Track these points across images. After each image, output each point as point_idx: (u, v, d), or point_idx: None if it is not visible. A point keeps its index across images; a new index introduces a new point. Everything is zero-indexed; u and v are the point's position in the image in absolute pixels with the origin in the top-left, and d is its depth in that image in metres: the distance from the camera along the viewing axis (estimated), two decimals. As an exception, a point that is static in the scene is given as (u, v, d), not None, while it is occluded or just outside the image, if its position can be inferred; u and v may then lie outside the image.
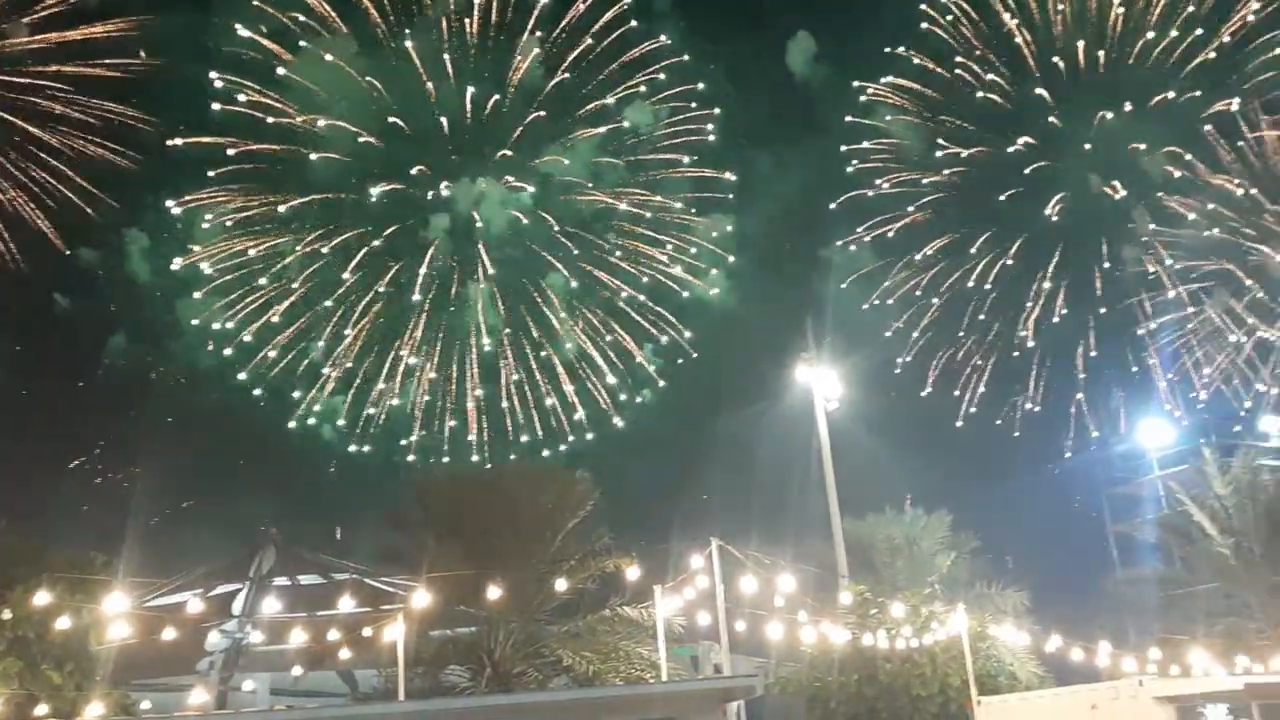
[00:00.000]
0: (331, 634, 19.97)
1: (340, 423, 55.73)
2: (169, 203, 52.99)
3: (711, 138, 59.76)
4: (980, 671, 22.86)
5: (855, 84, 60.58)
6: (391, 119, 56.08)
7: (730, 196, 60.19)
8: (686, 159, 59.64)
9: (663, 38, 58.83)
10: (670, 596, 21.53)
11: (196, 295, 53.77)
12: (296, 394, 55.08)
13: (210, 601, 25.01)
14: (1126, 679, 23.46)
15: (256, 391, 54.47)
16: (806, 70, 63.47)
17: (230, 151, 52.75)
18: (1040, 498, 56.59)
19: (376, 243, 56.12)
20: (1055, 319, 58.80)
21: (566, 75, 58.06)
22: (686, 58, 58.86)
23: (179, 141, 51.76)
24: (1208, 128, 55.25)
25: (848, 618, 23.47)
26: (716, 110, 59.51)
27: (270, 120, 53.94)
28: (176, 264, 53.28)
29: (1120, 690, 19.62)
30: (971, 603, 26.21)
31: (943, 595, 27.05)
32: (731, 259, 60.22)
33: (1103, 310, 57.94)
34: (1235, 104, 54.37)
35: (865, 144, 60.58)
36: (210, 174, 52.83)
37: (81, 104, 48.83)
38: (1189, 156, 55.72)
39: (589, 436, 57.86)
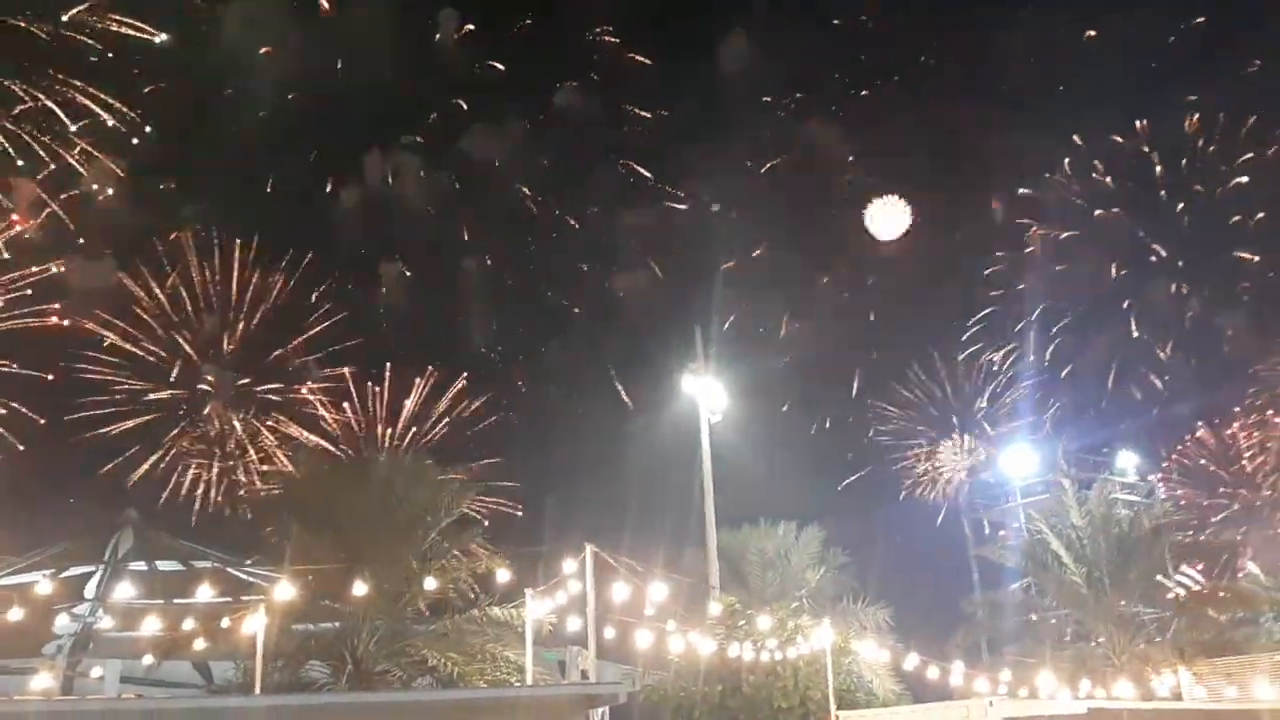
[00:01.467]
0: (188, 623, 19.39)
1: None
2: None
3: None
4: (840, 686, 23.35)
5: (766, 99, 60.99)
6: (299, 90, 54.54)
7: (653, 197, 59.98)
8: (610, 153, 59.07)
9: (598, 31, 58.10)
10: (541, 600, 21.46)
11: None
12: (178, 369, 52.37)
13: (61, 583, 23.98)
14: (978, 698, 24.30)
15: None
16: (736, 72, 62.80)
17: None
18: (909, 519, 58.27)
19: (278, 219, 54.04)
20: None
21: (491, 60, 57.22)
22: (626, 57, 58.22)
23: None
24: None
25: (716, 628, 23.75)
26: (658, 113, 58.99)
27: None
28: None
29: (971, 709, 20.23)
30: (837, 618, 26.75)
31: (809, 609, 27.59)
32: (646, 259, 59.92)
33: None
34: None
35: (778, 160, 60.99)
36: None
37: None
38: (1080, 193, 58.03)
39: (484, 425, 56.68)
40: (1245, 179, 56.43)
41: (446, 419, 54.66)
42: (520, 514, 51.33)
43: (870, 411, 58.53)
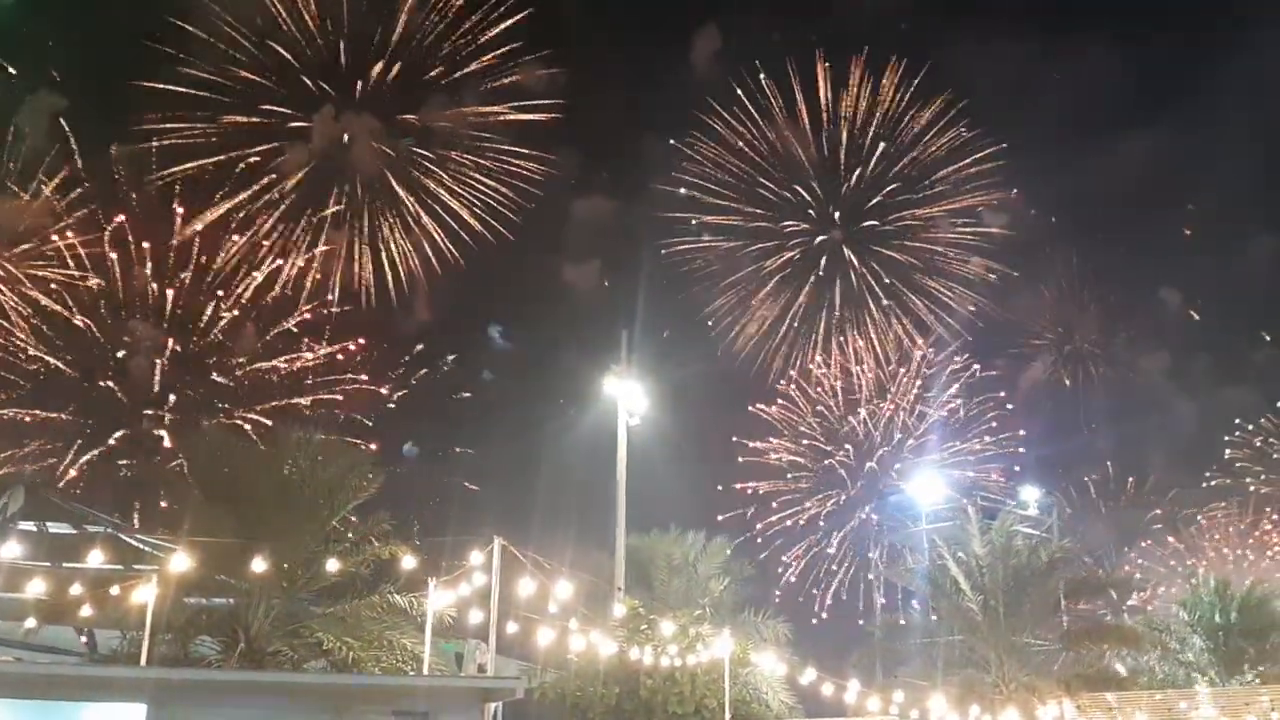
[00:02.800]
0: (75, 588, 18.74)
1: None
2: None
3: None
4: (736, 696, 23.49)
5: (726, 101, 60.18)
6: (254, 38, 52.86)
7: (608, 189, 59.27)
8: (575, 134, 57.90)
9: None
10: (444, 590, 21.19)
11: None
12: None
13: (-56, 539, 22.99)
14: (869, 717, 24.70)
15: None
16: (705, 67, 62.21)
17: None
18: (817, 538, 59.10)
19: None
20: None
21: (454, 30, 55.97)
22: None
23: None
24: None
25: (618, 630, 23.71)
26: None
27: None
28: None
29: (862, 726, 20.56)
30: (737, 628, 26.92)
31: (711, 618, 27.69)
32: (596, 254, 59.17)
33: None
34: None
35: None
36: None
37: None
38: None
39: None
40: (1188, 232, 58.25)
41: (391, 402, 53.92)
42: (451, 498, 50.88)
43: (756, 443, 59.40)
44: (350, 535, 23.27)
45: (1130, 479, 57.19)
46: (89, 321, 48.85)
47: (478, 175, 57.32)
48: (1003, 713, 26.64)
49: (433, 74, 57.08)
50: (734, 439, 60.06)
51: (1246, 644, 32.45)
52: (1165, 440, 56.22)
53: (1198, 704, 27.36)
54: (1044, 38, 59.31)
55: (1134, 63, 58.08)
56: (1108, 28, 59.69)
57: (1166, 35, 58.76)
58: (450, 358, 56.17)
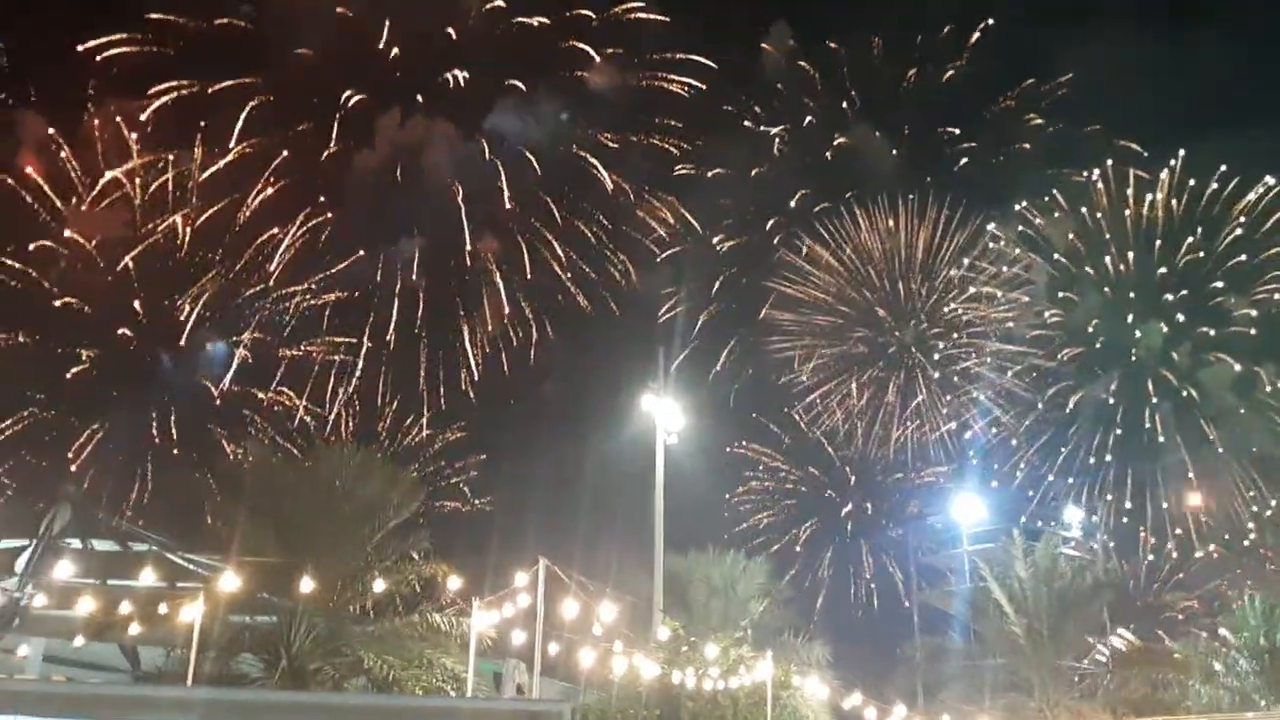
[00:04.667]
0: (124, 606, 18.83)
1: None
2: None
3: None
4: (777, 720, 23.30)
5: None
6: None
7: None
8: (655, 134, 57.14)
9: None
10: (487, 610, 21.12)
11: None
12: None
13: (-8, 555, 23.20)
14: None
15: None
16: (776, 63, 61.45)
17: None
18: (857, 559, 58.53)
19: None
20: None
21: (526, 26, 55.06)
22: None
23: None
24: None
25: (659, 653, 23.55)
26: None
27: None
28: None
29: (910, 753, 20.28)
30: (778, 650, 26.68)
31: (752, 641, 27.45)
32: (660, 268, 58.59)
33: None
34: None
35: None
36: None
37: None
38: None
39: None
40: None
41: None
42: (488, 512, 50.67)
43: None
44: (392, 554, 23.25)
45: (1193, 498, 55.65)
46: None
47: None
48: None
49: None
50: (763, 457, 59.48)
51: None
52: (1231, 458, 54.71)
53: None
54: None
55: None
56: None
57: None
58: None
